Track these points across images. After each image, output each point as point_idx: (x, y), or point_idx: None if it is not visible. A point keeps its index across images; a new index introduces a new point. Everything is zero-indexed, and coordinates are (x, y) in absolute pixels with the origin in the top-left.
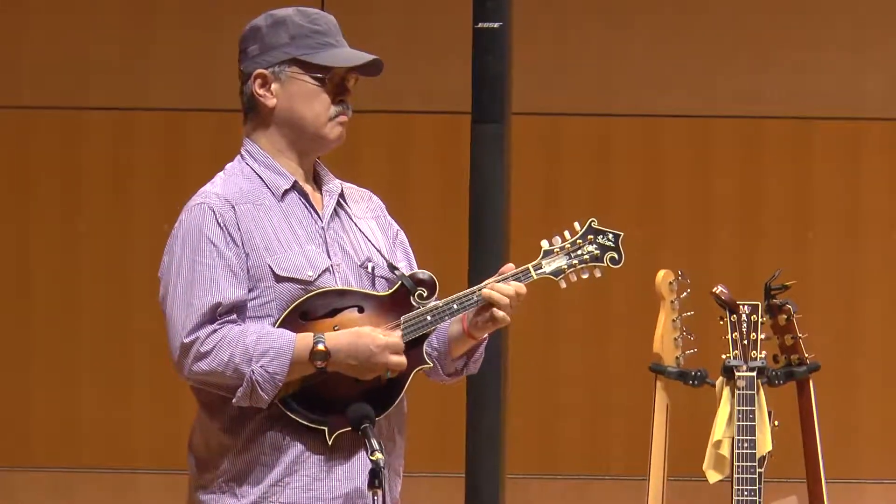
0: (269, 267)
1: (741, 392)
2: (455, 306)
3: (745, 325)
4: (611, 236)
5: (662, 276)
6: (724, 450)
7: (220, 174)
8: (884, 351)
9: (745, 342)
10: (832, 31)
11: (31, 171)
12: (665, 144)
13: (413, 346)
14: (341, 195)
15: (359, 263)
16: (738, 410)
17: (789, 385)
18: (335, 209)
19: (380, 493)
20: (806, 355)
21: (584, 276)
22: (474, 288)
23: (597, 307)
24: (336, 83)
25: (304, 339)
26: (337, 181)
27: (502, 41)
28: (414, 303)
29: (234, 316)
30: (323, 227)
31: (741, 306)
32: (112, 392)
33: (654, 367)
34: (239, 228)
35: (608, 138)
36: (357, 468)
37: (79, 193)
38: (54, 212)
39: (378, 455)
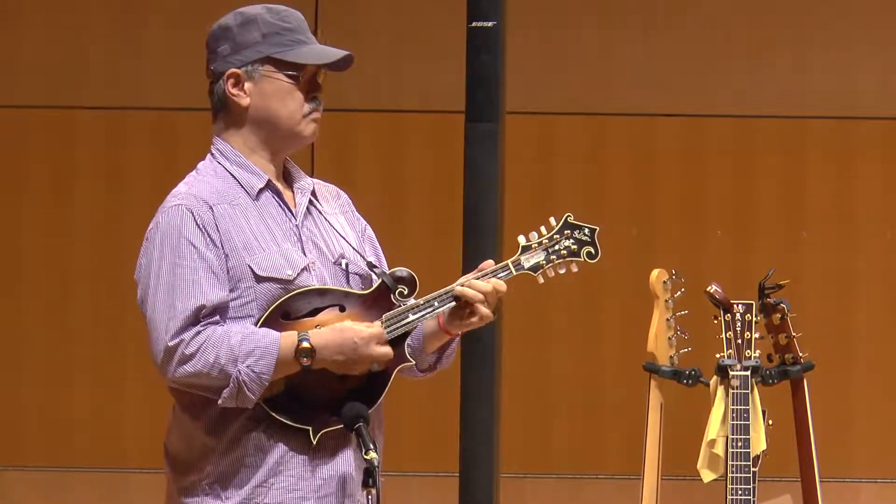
0: (249, 267)
1: (735, 391)
2: (436, 304)
3: (739, 324)
4: (587, 231)
5: (656, 275)
6: (719, 449)
7: (193, 174)
8: (878, 350)
9: (739, 341)
10: (824, 30)
11: (24, 170)
12: (659, 143)
13: (395, 344)
14: (313, 192)
15: (333, 260)
16: (733, 409)
17: (783, 384)
18: (308, 207)
19: (374, 492)
20: (800, 354)
21: (562, 272)
22: (454, 285)
23: (591, 306)
24: (308, 80)
25: (289, 338)
26: (308, 178)
27: (496, 40)
28: (394, 300)
29: (217, 317)
30: (297, 225)
31: (735, 305)
32: (104, 391)
33: (648, 366)
34: (218, 229)
35: (602, 137)
36: (342, 466)
37: (72, 192)
38: (47, 211)
39: (372, 454)
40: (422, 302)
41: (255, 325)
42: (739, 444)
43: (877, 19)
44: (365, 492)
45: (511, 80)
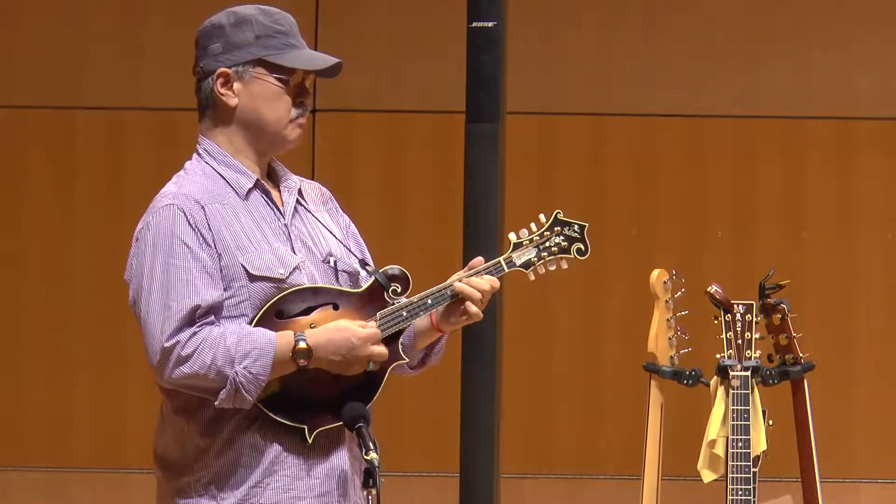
0: (243, 266)
1: (735, 391)
2: (430, 301)
3: (739, 324)
4: (577, 227)
5: (657, 276)
6: (719, 449)
7: (181, 174)
8: (878, 350)
9: (740, 341)
10: (824, 30)
11: (24, 171)
12: (659, 144)
13: (389, 343)
14: (300, 191)
15: (321, 258)
16: (733, 410)
17: (784, 384)
18: (295, 205)
19: (374, 492)
20: (800, 355)
21: (552, 268)
22: (447, 282)
23: (591, 306)
24: (297, 84)
25: (285, 338)
26: (294, 177)
27: (497, 40)
28: (388, 299)
29: (212, 317)
30: (286, 224)
31: (735, 306)
32: (105, 392)
33: (649, 367)
34: (210, 229)
35: (602, 138)
36: (337, 465)
37: (72, 193)
38: (48, 211)
39: (373, 454)
40: (416, 300)
41: (250, 324)
42: (740, 444)
43: (877, 19)
44: (365, 492)
45: (511, 81)
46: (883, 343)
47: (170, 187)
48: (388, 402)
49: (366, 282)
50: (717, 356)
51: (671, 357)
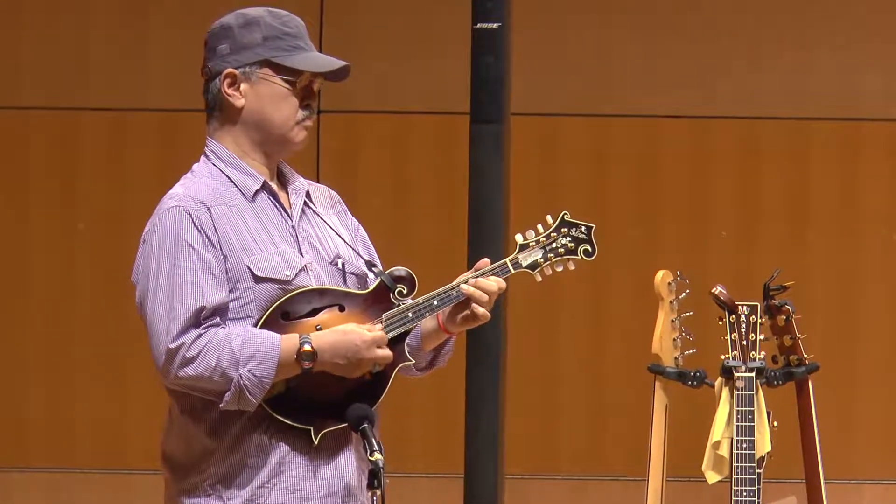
0: (248, 268)
1: (740, 392)
2: (435, 303)
3: (743, 325)
4: (583, 228)
5: (661, 277)
6: (723, 450)
7: (188, 175)
8: (882, 351)
9: (744, 343)
10: (829, 31)
11: (29, 172)
12: (663, 145)
13: (395, 344)
14: (307, 194)
15: (329, 260)
16: (737, 411)
17: (788, 385)
18: (302, 207)
19: (379, 493)
20: (805, 356)
21: (559, 269)
22: (453, 283)
23: (596, 307)
24: (304, 86)
25: (290, 341)
26: (302, 179)
27: (501, 41)
28: (394, 300)
29: (217, 319)
30: (293, 226)
31: (740, 307)
32: (108, 392)
33: (653, 368)
34: (216, 230)
35: (606, 139)
36: (344, 466)
37: (76, 194)
38: (51, 212)
39: (377, 455)
40: (421, 301)
41: (255, 325)
42: (744, 445)
43: (881, 20)
44: (370, 493)
45: (516, 82)
46: (887, 344)
47: (176, 189)
48: (392, 404)
49: (372, 283)
50: (722, 357)
51: (676, 358)
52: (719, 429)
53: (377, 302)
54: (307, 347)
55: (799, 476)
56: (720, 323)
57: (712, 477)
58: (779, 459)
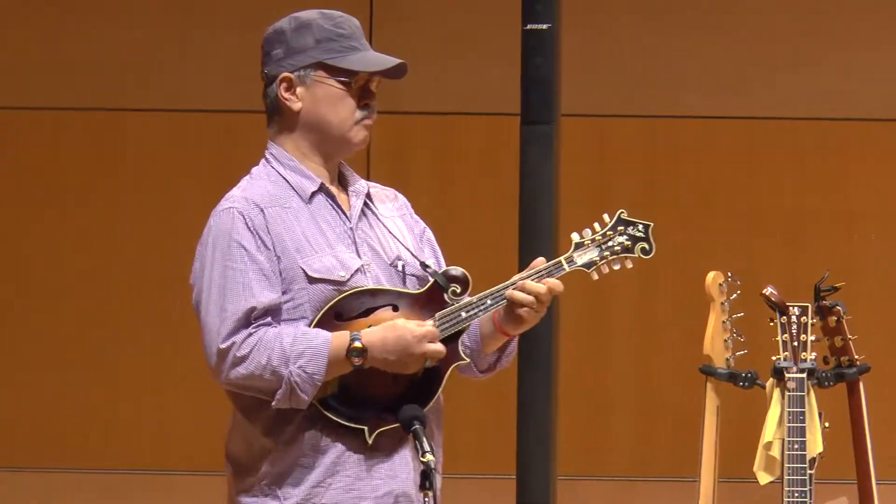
0: (302, 269)
1: (791, 393)
2: (489, 302)
3: (794, 326)
4: (641, 227)
5: (712, 278)
6: (775, 451)
7: (246, 178)
8: None
9: (795, 344)
10: (874, 31)
11: (76, 173)
12: (714, 146)
13: (449, 343)
14: (368, 195)
15: (388, 262)
16: (789, 412)
17: (839, 386)
18: (362, 209)
19: (431, 494)
20: (856, 357)
21: (616, 268)
22: (507, 283)
23: (647, 308)
24: (361, 86)
25: (341, 338)
26: (363, 181)
27: (551, 43)
28: (447, 299)
29: (269, 319)
30: (351, 228)
31: (791, 308)
32: (151, 394)
33: (705, 369)
34: (269, 232)
35: (656, 140)
36: (398, 466)
37: (123, 195)
38: (99, 213)
39: (429, 456)
40: (475, 300)
41: (309, 326)
42: (796, 446)
43: None
44: (422, 494)
45: (565, 83)
46: None
47: (233, 191)
48: (444, 404)
49: (427, 283)
50: (773, 358)
51: (727, 359)
52: (771, 430)
53: (431, 301)
54: (357, 344)
55: (850, 477)
56: (771, 324)
57: (764, 478)
58: (830, 460)
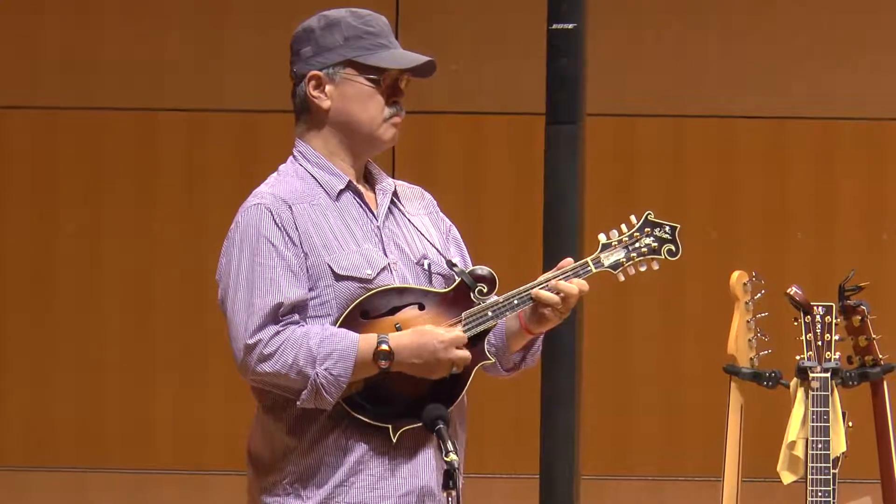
0: (329, 266)
1: (815, 393)
2: (515, 301)
3: (819, 326)
4: (668, 228)
5: (737, 277)
6: (799, 451)
7: (274, 175)
8: None
9: (820, 343)
10: None
11: (105, 172)
12: (739, 145)
13: (474, 342)
14: (395, 193)
15: (415, 261)
16: (813, 411)
17: (863, 386)
18: (389, 207)
19: (454, 493)
20: (880, 356)
21: (643, 269)
22: (533, 283)
23: (671, 308)
24: (389, 84)
25: (368, 340)
26: (390, 179)
27: (577, 42)
28: (474, 299)
29: (296, 316)
30: (378, 226)
31: (815, 307)
32: (185, 394)
33: (729, 368)
34: (297, 228)
35: (683, 139)
36: (422, 466)
37: (153, 194)
38: (128, 212)
39: (452, 456)
40: (501, 300)
41: (334, 324)
42: (819, 445)
43: None
44: (445, 493)
45: (591, 82)
46: None
47: (261, 188)
48: (468, 404)
49: (454, 283)
50: (797, 358)
51: (751, 359)
52: (794, 429)
53: (457, 301)
54: (384, 347)
55: (874, 476)
56: (795, 323)
57: (787, 477)
58: (854, 459)
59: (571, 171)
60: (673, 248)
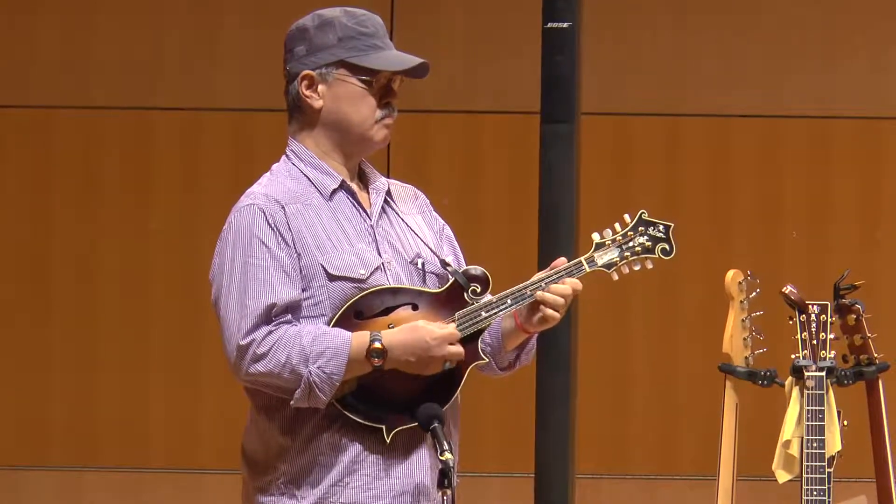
0: (322, 266)
1: (810, 392)
2: (509, 301)
3: (814, 324)
4: (661, 227)
5: (732, 276)
6: (794, 449)
7: (267, 175)
8: None
9: (815, 342)
10: None
11: (100, 172)
12: (734, 144)
13: (468, 342)
14: (388, 193)
15: (408, 260)
16: (808, 410)
17: (858, 385)
18: (382, 207)
19: (449, 493)
20: (875, 355)
21: (637, 268)
22: (527, 283)
23: (666, 306)
24: (382, 85)
25: (361, 338)
26: (383, 179)
27: (572, 41)
28: (468, 299)
29: (289, 316)
30: (372, 225)
31: (810, 306)
32: (180, 393)
33: (724, 367)
34: (290, 228)
35: (677, 138)
36: (417, 465)
37: (147, 193)
38: (124, 211)
39: (447, 455)
40: (495, 300)
41: (328, 324)
42: (814, 444)
43: None
44: (440, 493)
45: (586, 81)
46: None
47: (254, 188)
48: (463, 403)
49: (447, 282)
50: (792, 357)
51: (746, 358)
52: (790, 428)
53: (451, 301)
54: (377, 345)
55: (869, 475)
56: (790, 322)
57: (782, 476)
58: (849, 459)
59: (566, 170)
60: (667, 247)
